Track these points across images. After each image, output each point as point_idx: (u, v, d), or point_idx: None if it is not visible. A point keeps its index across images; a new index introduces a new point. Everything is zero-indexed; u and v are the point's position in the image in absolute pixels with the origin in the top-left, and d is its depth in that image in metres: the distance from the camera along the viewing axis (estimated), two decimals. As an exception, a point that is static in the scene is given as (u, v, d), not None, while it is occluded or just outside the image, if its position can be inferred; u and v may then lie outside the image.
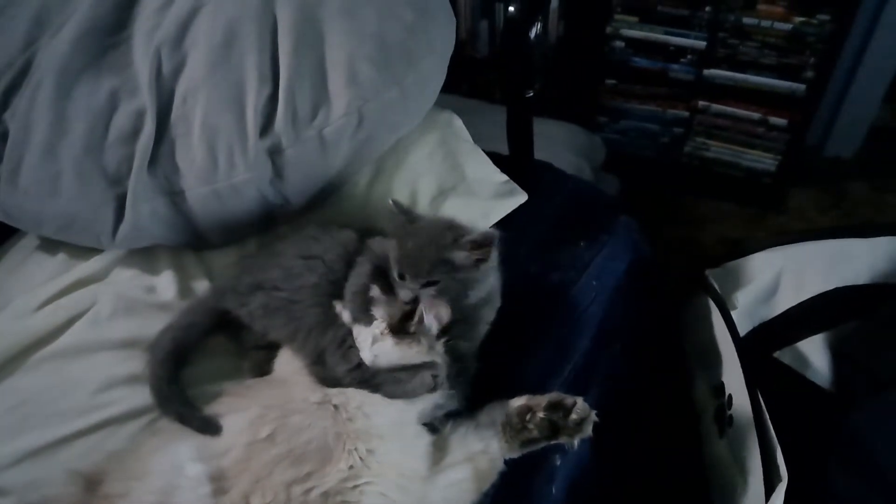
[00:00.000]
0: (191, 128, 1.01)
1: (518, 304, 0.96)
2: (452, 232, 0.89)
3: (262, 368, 0.92)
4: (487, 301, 0.93)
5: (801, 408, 1.12)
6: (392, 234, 0.90)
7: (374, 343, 0.84)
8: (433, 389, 0.84)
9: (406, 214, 0.91)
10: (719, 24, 1.95)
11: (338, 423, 0.80)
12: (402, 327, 0.84)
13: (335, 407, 0.81)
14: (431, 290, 0.86)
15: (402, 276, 0.86)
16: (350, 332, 0.87)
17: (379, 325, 0.85)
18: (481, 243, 0.87)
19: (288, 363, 0.89)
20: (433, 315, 0.84)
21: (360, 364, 0.85)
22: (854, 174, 2.31)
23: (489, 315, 0.94)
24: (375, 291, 0.87)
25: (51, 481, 0.80)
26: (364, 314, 0.86)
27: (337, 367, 0.86)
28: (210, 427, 0.81)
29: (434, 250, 0.86)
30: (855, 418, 1.05)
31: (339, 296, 0.91)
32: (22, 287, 1.06)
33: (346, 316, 0.88)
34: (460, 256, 0.87)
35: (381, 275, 0.89)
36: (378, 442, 0.80)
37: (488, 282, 0.92)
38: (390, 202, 0.92)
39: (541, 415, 0.85)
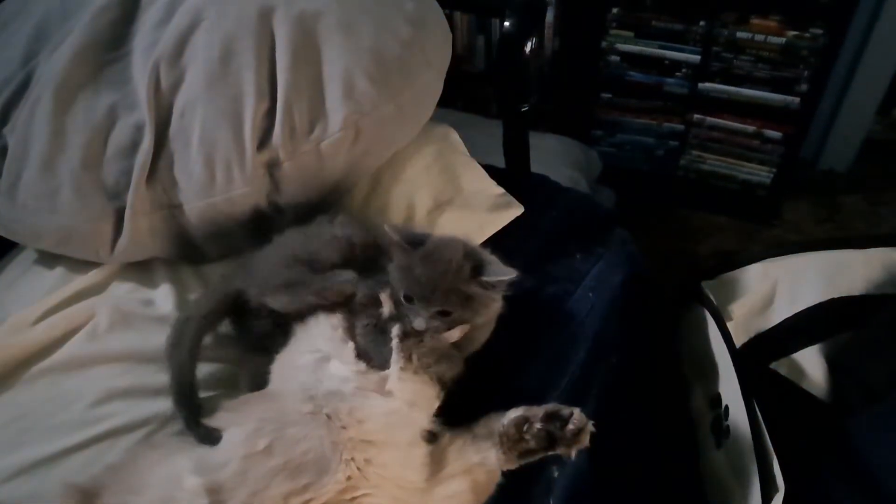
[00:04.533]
0: (189, 142, 1.01)
1: (514, 316, 0.96)
2: (470, 261, 0.85)
3: (258, 380, 0.92)
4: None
5: (798, 418, 1.13)
6: (395, 258, 0.87)
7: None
8: (339, 295, 0.86)
9: (407, 239, 0.86)
10: (713, 39, 1.97)
11: (332, 432, 0.80)
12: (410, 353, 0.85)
13: (328, 416, 0.81)
14: (442, 319, 0.85)
15: (409, 300, 0.84)
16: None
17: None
18: (499, 284, 0.86)
19: (282, 375, 0.89)
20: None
21: (293, 277, 0.87)
22: (848, 187, 2.33)
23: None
24: (385, 305, 0.87)
25: (48, 495, 0.79)
26: (377, 349, 0.86)
27: (276, 277, 0.88)
28: (209, 439, 0.81)
29: (449, 280, 0.84)
30: (851, 428, 1.05)
31: (360, 265, 0.92)
32: (20, 300, 1.06)
33: (386, 307, 0.88)
34: (477, 290, 0.85)
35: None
36: (374, 451, 0.80)
37: (496, 305, 0.91)
38: (386, 228, 0.87)
39: (538, 426, 0.84)
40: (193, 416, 0.84)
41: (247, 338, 0.95)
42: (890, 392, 1.06)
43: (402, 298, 0.85)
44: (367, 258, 0.93)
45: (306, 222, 0.99)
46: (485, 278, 0.85)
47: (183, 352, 0.88)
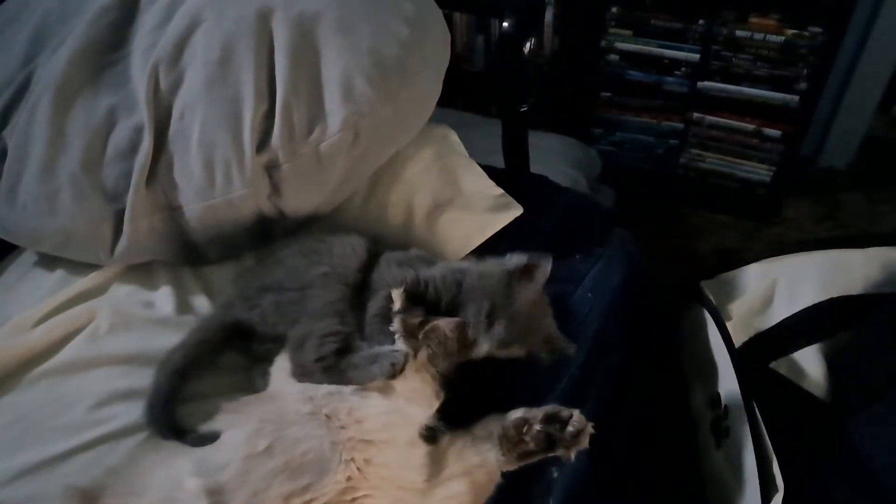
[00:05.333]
0: (188, 144, 1.01)
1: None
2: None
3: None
4: None
5: (797, 418, 1.13)
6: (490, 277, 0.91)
7: None
8: (392, 376, 0.84)
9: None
10: (712, 37, 1.97)
11: (332, 432, 0.80)
12: (413, 333, 0.86)
13: (327, 417, 0.81)
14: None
15: (490, 320, 0.88)
16: (341, 331, 0.88)
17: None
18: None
19: (281, 376, 0.90)
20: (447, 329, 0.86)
21: (326, 356, 0.86)
22: (848, 185, 2.33)
23: None
24: (396, 302, 0.88)
25: (49, 497, 0.80)
26: (384, 336, 0.88)
27: (308, 353, 0.86)
28: (204, 440, 0.82)
29: (540, 330, 0.93)
30: (850, 428, 1.05)
31: (351, 287, 0.93)
32: (20, 303, 1.06)
33: (398, 303, 0.89)
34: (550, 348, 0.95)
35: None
36: (374, 451, 0.80)
37: None
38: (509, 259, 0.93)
39: (537, 427, 0.85)
40: (163, 435, 0.85)
41: (249, 354, 0.96)
42: (890, 391, 1.06)
43: (482, 315, 0.87)
44: (361, 279, 0.96)
45: (300, 236, 1.03)
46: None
47: (164, 375, 0.89)
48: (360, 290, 0.95)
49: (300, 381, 0.87)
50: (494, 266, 0.93)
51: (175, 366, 0.90)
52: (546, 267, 0.92)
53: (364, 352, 0.87)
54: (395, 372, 0.84)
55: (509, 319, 0.88)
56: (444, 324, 0.86)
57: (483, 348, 0.89)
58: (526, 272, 0.91)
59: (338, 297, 0.92)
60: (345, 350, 0.87)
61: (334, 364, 0.86)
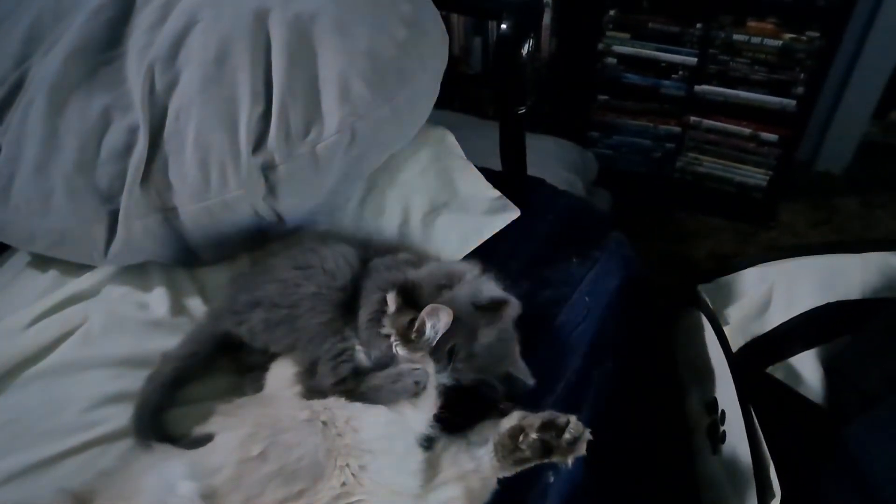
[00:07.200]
0: (184, 144, 1.01)
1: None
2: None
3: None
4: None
5: (794, 423, 1.12)
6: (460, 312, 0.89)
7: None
8: (416, 395, 0.84)
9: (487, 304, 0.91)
10: (710, 41, 1.97)
11: (328, 439, 0.79)
12: (406, 336, 0.86)
13: (324, 423, 0.81)
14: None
15: (451, 355, 0.88)
16: (346, 346, 0.88)
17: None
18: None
19: (277, 380, 0.89)
20: (432, 323, 0.84)
21: (346, 378, 0.85)
22: (844, 189, 2.33)
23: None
24: (391, 305, 0.87)
25: (41, 500, 0.79)
26: (379, 339, 0.87)
27: (325, 378, 0.86)
28: (197, 443, 0.81)
29: (501, 367, 0.92)
30: (847, 433, 1.05)
31: (341, 304, 0.92)
32: (13, 304, 1.05)
33: (391, 305, 0.88)
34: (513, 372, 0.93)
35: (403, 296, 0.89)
36: (369, 457, 0.80)
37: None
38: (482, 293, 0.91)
39: (533, 435, 0.84)
40: (147, 444, 0.84)
41: (239, 363, 0.96)
42: (887, 396, 1.06)
43: (445, 349, 0.87)
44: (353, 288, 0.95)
45: (293, 243, 1.03)
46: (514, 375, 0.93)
47: (152, 387, 0.89)
48: (353, 298, 0.94)
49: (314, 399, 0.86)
50: (470, 284, 0.92)
51: (164, 378, 0.90)
52: (513, 309, 0.91)
53: (384, 372, 0.86)
54: (420, 390, 0.84)
55: (467, 357, 0.88)
56: (429, 313, 0.85)
57: (441, 379, 0.89)
58: (494, 308, 0.90)
59: (330, 316, 0.91)
60: (358, 369, 0.87)
61: (354, 387, 0.85)
